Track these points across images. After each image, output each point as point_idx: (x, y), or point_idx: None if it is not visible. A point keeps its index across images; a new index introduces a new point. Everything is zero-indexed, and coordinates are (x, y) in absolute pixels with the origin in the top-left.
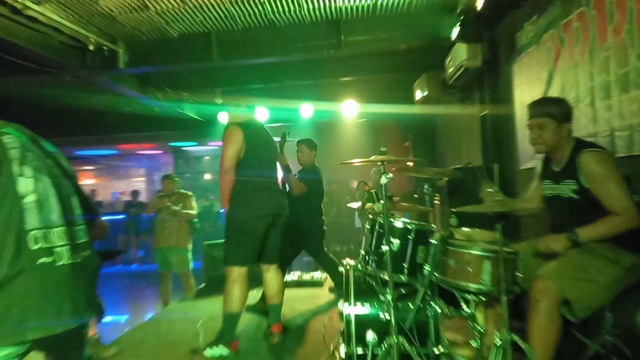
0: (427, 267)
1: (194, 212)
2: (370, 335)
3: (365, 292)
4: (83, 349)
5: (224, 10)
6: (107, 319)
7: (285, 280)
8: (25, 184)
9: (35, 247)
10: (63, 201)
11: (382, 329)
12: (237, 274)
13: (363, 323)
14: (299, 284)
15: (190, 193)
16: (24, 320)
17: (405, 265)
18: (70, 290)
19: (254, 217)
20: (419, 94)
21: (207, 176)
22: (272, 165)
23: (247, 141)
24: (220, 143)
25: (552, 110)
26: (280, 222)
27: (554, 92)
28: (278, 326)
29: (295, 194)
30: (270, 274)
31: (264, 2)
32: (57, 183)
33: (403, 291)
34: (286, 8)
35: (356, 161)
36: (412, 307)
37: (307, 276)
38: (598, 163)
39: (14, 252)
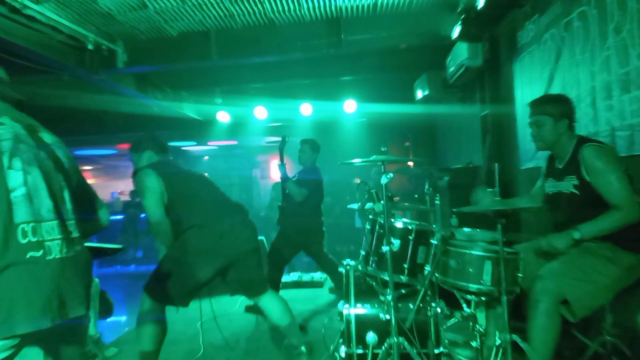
0: (427, 268)
1: None
2: (370, 336)
3: (365, 293)
4: (83, 346)
5: (223, 8)
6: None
7: (284, 280)
8: (15, 177)
9: (24, 240)
10: (54, 195)
11: (382, 329)
12: (153, 306)
13: (363, 323)
14: (299, 284)
15: None
16: (11, 314)
17: (405, 265)
18: (60, 285)
19: (192, 265)
20: (419, 94)
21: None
22: (216, 197)
23: (167, 182)
24: (219, 143)
25: (547, 108)
26: (245, 257)
27: (554, 92)
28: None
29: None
30: (264, 301)
31: (264, 0)
32: (48, 176)
33: (403, 291)
34: (286, 6)
35: (356, 161)
36: (412, 307)
37: (307, 277)
38: (599, 156)
39: (1, 246)
